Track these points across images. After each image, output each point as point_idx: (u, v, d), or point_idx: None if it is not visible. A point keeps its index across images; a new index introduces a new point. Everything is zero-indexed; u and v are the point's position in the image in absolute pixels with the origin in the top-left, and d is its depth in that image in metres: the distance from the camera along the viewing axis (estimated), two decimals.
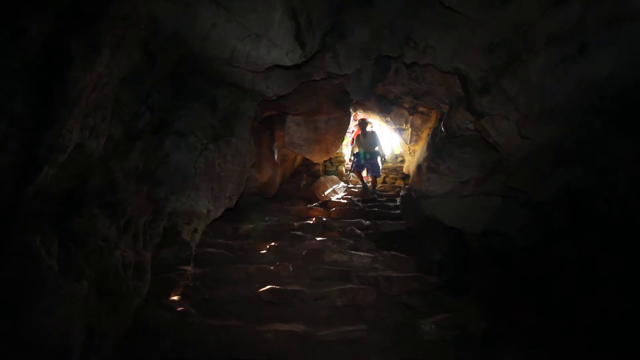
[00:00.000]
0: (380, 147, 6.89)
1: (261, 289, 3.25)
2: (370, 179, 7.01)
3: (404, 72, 4.63)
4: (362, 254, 4.04)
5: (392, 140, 8.65)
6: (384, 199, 6.47)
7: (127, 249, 2.90)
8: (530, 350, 3.12)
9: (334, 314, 3.11)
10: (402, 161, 7.69)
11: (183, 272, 3.34)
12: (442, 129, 4.52)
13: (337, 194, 6.84)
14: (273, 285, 3.32)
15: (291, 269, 3.65)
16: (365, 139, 6.88)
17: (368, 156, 6.79)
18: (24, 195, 2.23)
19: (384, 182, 7.51)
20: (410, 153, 7.20)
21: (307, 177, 7.08)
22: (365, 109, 6.72)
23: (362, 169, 7.00)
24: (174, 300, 2.96)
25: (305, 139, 6.05)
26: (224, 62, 3.19)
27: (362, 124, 6.99)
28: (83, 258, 2.46)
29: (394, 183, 7.39)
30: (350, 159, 7.36)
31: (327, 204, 6.11)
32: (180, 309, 2.85)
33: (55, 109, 2.22)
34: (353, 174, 7.49)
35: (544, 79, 2.52)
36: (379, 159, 6.85)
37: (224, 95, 3.76)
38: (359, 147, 6.95)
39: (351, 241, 4.46)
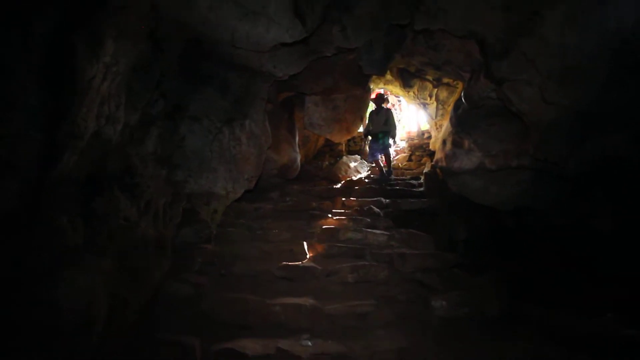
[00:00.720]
0: (392, 127, 6.20)
1: (275, 266, 3.37)
2: (384, 161, 6.46)
3: (421, 41, 4.38)
4: (377, 231, 4.01)
5: (418, 116, 8.29)
6: (408, 177, 6.30)
7: (148, 228, 3.13)
8: (550, 331, 2.96)
9: (345, 290, 3.16)
10: (429, 137, 7.37)
11: (203, 249, 3.55)
12: (463, 99, 4.25)
13: (360, 173, 6.77)
14: (287, 262, 3.43)
15: (306, 246, 3.72)
16: (378, 117, 6.20)
17: (380, 136, 6.15)
18: (49, 180, 2.47)
19: (409, 159, 7.28)
20: (436, 128, 6.87)
21: (329, 158, 7.06)
22: (387, 83, 6.48)
23: (379, 155, 6.33)
24: (192, 275, 3.17)
25: (325, 119, 6.00)
26: (227, 45, 3.22)
27: (377, 100, 6.30)
28: (106, 236, 2.70)
29: (420, 160, 7.13)
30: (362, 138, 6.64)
31: (348, 183, 6.08)
32: (197, 282, 3.04)
33: (68, 100, 2.40)
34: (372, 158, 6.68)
35: (563, 35, 2.26)
36: (390, 140, 6.26)
37: (233, 78, 3.82)
38: (371, 125, 6.30)
39: (368, 219, 4.43)
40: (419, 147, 7.54)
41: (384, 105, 6.41)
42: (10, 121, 2.20)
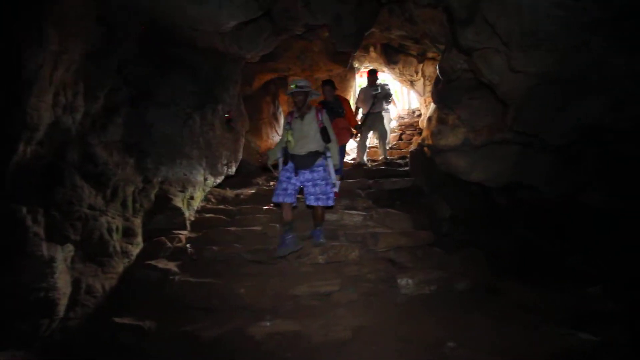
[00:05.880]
0: (332, 141, 3.19)
1: (247, 249, 3.38)
2: (316, 212, 3.28)
3: (397, 13, 4.21)
4: (353, 212, 3.97)
5: (409, 94, 8.04)
6: (396, 156, 6.17)
7: (116, 216, 3.16)
8: (523, 305, 2.91)
9: (314, 271, 3.14)
10: (419, 115, 7.19)
11: (176, 236, 3.58)
12: (439, 73, 4.09)
13: (348, 154, 6.66)
14: (259, 245, 3.43)
15: (279, 230, 3.70)
16: (303, 125, 3.11)
17: (303, 161, 3.11)
18: (7, 171, 2.50)
19: (399, 139, 7.12)
20: (425, 105, 6.69)
21: None
22: (372, 61, 6.29)
23: (292, 196, 3.16)
24: (161, 261, 3.20)
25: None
26: (187, 28, 3.15)
27: (298, 94, 3.11)
28: (68, 224, 2.73)
29: (410, 140, 6.97)
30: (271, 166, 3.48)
31: None
32: (166, 268, 3.08)
33: (17, 90, 2.39)
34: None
35: None
36: (330, 166, 3.19)
37: (200, 62, 3.75)
38: (292, 139, 3.13)
39: (347, 200, 4.38)
40: (409, 126, 7.36)
41: (313, 102, 3.38)
42: None
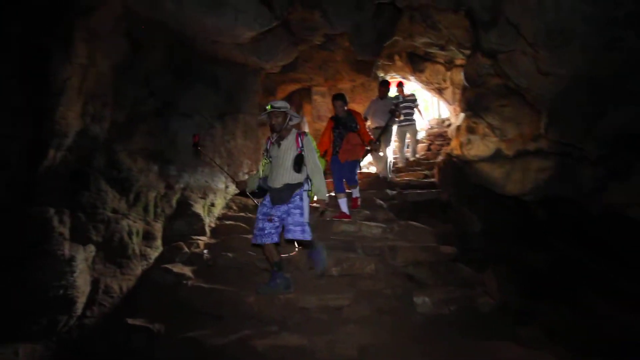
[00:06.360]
0: (314, 169, 2.73)
1: (260, 257, 3.35)
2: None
3: (418, 19, 4.10)
4: (372, 224, 3.82)
5: (438, 104, 7.76)
6: (422, 167, 5.94)
7: (137, 220, 3.29)
8: (557, 333, 2.61)
9: (326, 283, 3.04)
10: (449, 125, 6.91)
11: (194, 241, 3.64)
12: (464, 79, 3.90)
13: (373, 165, 6.52)
14: None
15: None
16: (279, 152, 2.71)
17: (279, 195, 2.67)
18: (37, 174, 2.69)
19: (428, 149, 6.86)
20: (455, 114, 6.42)
21: None
22: (397, 70, 6.17)
23: (271, 236, 2.66)
24: (177, 265, 3.26)
25: (332, 110, 5.87)
26: (207, 40, 3.26)
27: (275, 116, 2.65)
28: (91, 226, 2.88)
29: (439, 150, 6.69)
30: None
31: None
32: (181, 273, 3.13)
33: (47, 100, 2.59)
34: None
35: None
36: (304, 200, 2.68)
37: (222, 73, 3.87)
38: (265, 168, 2.82)
39: (367, 212, 4.25)
40: (439, 136, 7.09)
41: (292, 123, 2.79)
42: None
